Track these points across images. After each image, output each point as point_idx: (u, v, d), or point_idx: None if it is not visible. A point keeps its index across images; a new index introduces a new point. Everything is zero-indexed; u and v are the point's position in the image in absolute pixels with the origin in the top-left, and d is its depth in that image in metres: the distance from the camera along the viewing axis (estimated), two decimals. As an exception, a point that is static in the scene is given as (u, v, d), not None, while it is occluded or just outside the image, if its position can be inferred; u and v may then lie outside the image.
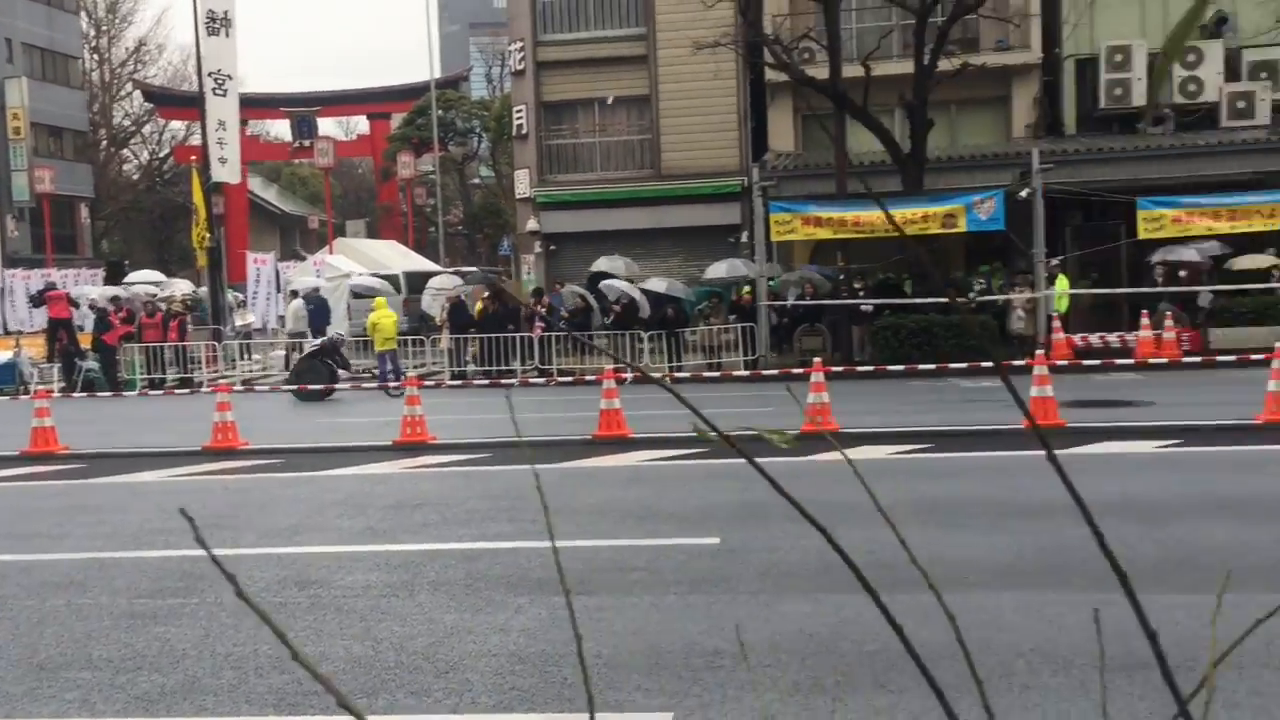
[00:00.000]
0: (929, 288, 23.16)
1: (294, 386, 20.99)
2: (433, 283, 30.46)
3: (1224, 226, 22.32)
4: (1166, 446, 11.61)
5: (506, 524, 8.94)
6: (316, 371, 20.91)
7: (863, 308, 22.95)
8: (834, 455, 12.11)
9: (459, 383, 22.62)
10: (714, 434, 1.03)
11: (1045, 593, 6.40)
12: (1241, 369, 18.17)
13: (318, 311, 26.09)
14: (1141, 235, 22.57)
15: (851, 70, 22.76)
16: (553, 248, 29.73)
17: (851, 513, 8.71)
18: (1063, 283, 23.16)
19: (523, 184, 30.23)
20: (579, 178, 29.81)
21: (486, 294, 24.89)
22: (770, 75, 26.58)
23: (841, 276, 23.82)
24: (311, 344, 22.01)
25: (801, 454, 12.22)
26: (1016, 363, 18.17)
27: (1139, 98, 26.11)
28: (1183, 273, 22.91)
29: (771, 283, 24.18)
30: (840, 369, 20.10)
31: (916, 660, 0.96)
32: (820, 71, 23.21)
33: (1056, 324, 22.12)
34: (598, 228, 28.78)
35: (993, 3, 25.28)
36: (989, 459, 11.34)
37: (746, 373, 20.04)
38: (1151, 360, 20.33)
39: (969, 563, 7.11)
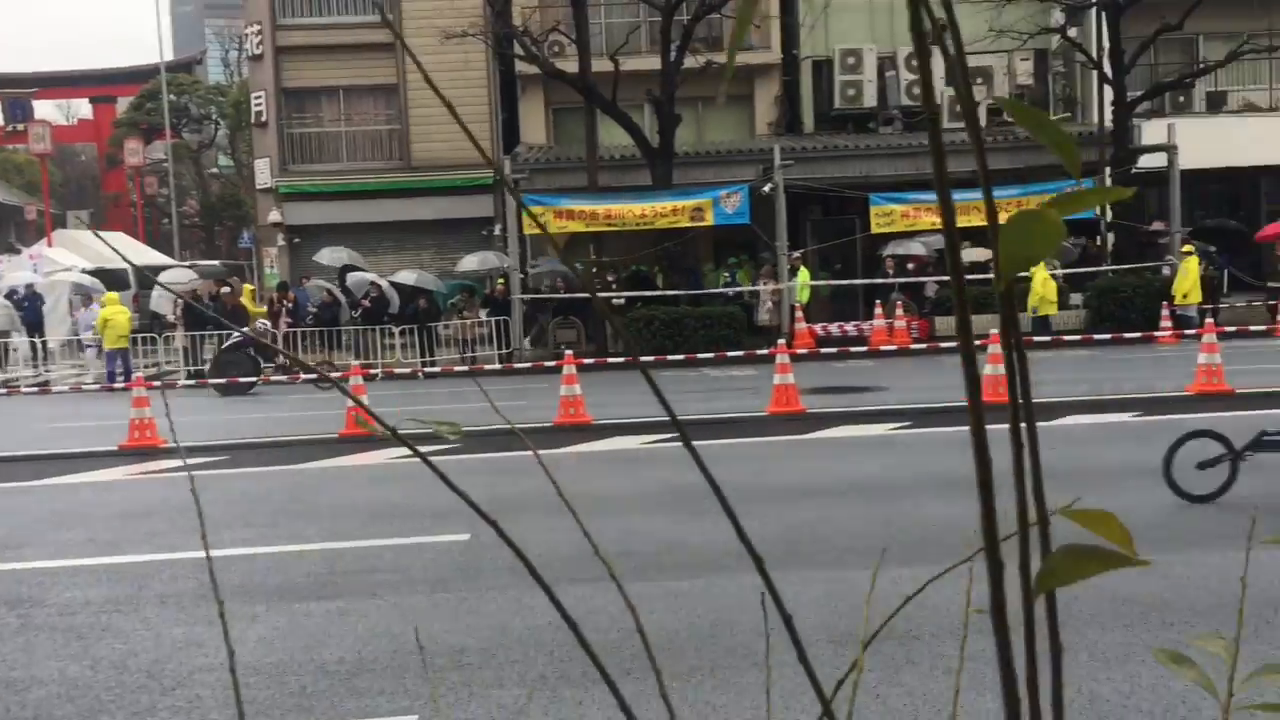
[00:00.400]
0: (680, 280, 23.71)
1: (214, 379, 19.48)
2: (164, 277, 28.75)
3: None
4: (898, 429, 12.26)
5: (243, 529, 8.50)
6: (239, 363, 19.58)
7: (615, 300, 23.22)
8: (589, 446, 12.19)
9: (194, 382, 21.44)
10: (382, 428, 0.93)
11: (788, 572, 6.59)
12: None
13: (31, 309, 24.17)
14: (874, 229, 23.85)
15: (601, 65, 22.98)
16: (297, 240, 28.63)
17: (606, 503, 8.79)
18: (804, 275, 24.16)
19: (264, 174, 28.95)
20: (325, 168, 28.82)
21: (220, 289, 23.79)
22: (521, 67, 26.49)
23: (594, 270, 24.01)
24: (233, 338, 20.28)
25: (557, 445, 12.24)
26: (761, 352, 18.83)
27: (870, 99, 27.54)
28: (911, 265, 24.34)
29: (523, 276, 24.12)
30: (593, 361, 20.26)
31: (588, 651, 0.89)
32: (570, 65, 23.31)
33: (799, 314, 23.07)
34: (346, 220, 27.93)
35: (736, 3, 26.04)
36: (736, 445, 11.66)
37: (499, 366, 19.89)
38: (884, 348, 21.48)
39: (715, 547, 7.25)
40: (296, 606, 6.39)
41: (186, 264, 32.78)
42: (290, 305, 23.72)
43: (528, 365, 20.62)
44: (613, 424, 13.22)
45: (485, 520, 0.94)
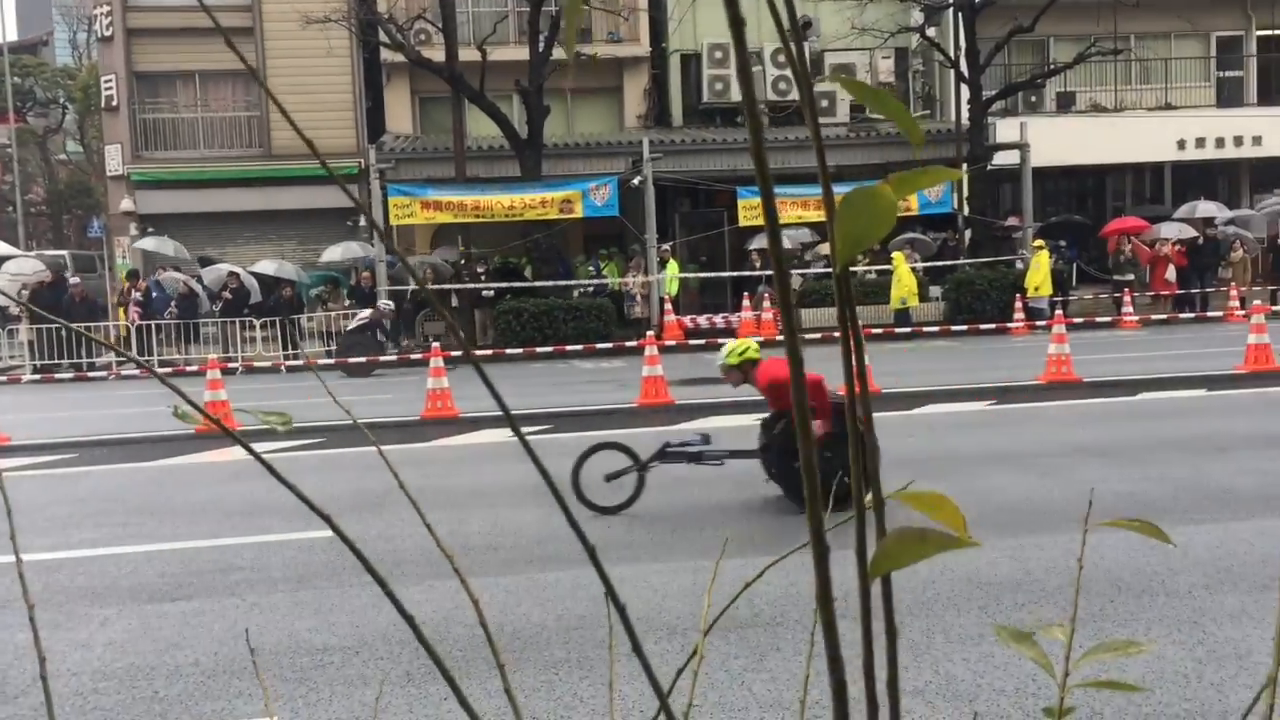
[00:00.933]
0: (549, 272, 23.62)
1: (341, 360, 19.57)
2: (7, 268, 27.39)
3: (812, 215, 24.36)
4: (763, 418, 12.42)
5: (92, 530, 8.15)
6: (365, 345, 19.80)
7: (484, 292, 23.03)
8: (457, 439, 12.05)
9: (39, 377, 20.51)
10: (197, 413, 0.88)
11: (655, 563, 6.63)
12: (826, 346, 19.82)
13: None
14: (742, 222, 24.18)
15: (469, 54, 22.72)
16: (150, 230, 27.59)
17: (475, 496, 8.70)
18: (673, 267, 24.34)
19: (114, 160, 27.81)
20: (180, 155, 27.83)
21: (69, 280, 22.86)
22: (386, 55, 26.03)
23: (463, 262, 23.76)
24: (360, 317, 20.51)
25: (424, 439, 12.08)
26: (630, 344, 18.90)
27: (738, 93, 27.85)
28: (778, 258, 24.69)
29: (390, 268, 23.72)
30: (461, 353, 20.05)
31: (426, 646, 0.86)
32: (437, 53, 23.00)
33: (668, 306, 23.23)
34: (203, 209, 27.02)
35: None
36: (606, 436, 11.66)
37: (364, 359, 19.52)
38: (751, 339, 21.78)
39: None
40: (150, 608, 6.16)
41: (33, 254, 31.23)
42: (141, 295, 22.85)
43: (393, 358, 20.29)
44: (481, 417, 13.11)
45: (319, 515, 0.91)
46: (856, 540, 0.62)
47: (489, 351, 20.64)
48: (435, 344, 14.71)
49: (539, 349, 20.57)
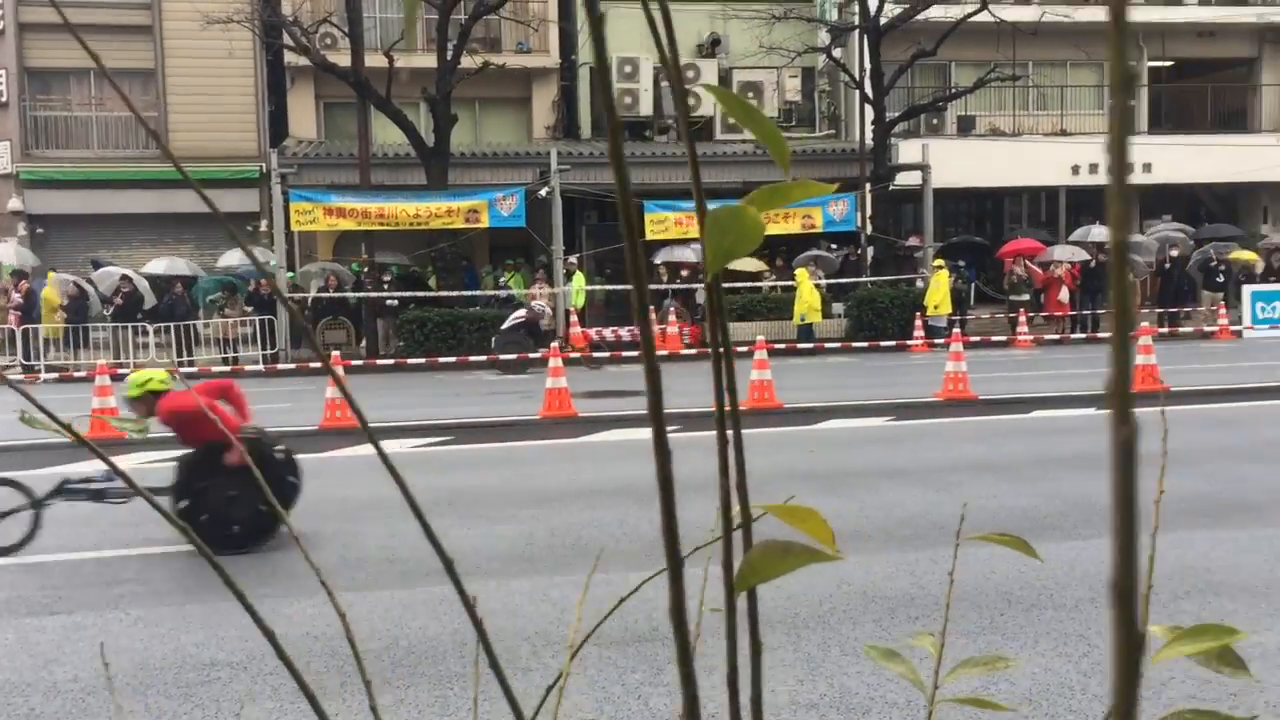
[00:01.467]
0: (454, 281, 23.43)
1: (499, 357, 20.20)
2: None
3: (718, 230, 24.59)
4: (668, 432, 12.46)
5: (-31, 540, 7.82)
6: (520, 344, 20.45)
7: (388, 301, 22.75)
8: (355, 450, 11.85)
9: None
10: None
11: (553, 576, 6.58)
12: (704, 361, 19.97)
13: None
14: (649, 236, 24.25)
15: (376, 60, 22.46)
16: (40, 231, 26.73)
17: (371, 508, 8.55)
18: (579, 279, 24.31)
19: (3, 159, 26.88)
20: (74, 154, 27.01)
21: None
22: (290, 58, 25.60)
23: (366, 270, 23.44)
24: (515, 317, 21.10)
25: (321, 449, 11.85)
26: (534, 355, 18.83)
27: (646, 107, 28.00)
28: (684, 272, 24.87)
29: (291, 274, 23.32)
30: (362, 363, 19.77)
31: (287, 664, 0.83)
32: (343, 58, 22.69)
33: (574, 318, 23.19)
34: (96, 210, 26.25)
35: (514, 6, 25.99)
36: (508, 449, 11.60)
37: (261, 368, 19.12)
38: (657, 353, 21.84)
39: (483, 552, 7.17)
40: (28, 622, 5.93)
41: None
42: (21, 298, 22.07)
43: (292, 367, 19.91)
44: (380, 427, 12.91)
45: (174, 526, 0.87)
46: (723, 555, 0.61)
47: (391, 361, 20.38)
48: (335, 352, 14.47)
49: (442, 359, 20.38)
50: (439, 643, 5.46)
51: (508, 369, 20.07)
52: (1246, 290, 25.15)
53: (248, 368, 20.77)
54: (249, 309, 22.67)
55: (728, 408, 0.61)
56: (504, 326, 21.11)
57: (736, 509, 0.60)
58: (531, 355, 20.15)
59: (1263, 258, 26.86)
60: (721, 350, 0.62)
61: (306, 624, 5.74)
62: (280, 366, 19.52)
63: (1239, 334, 24.03)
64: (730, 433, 0.60)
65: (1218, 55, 31.35)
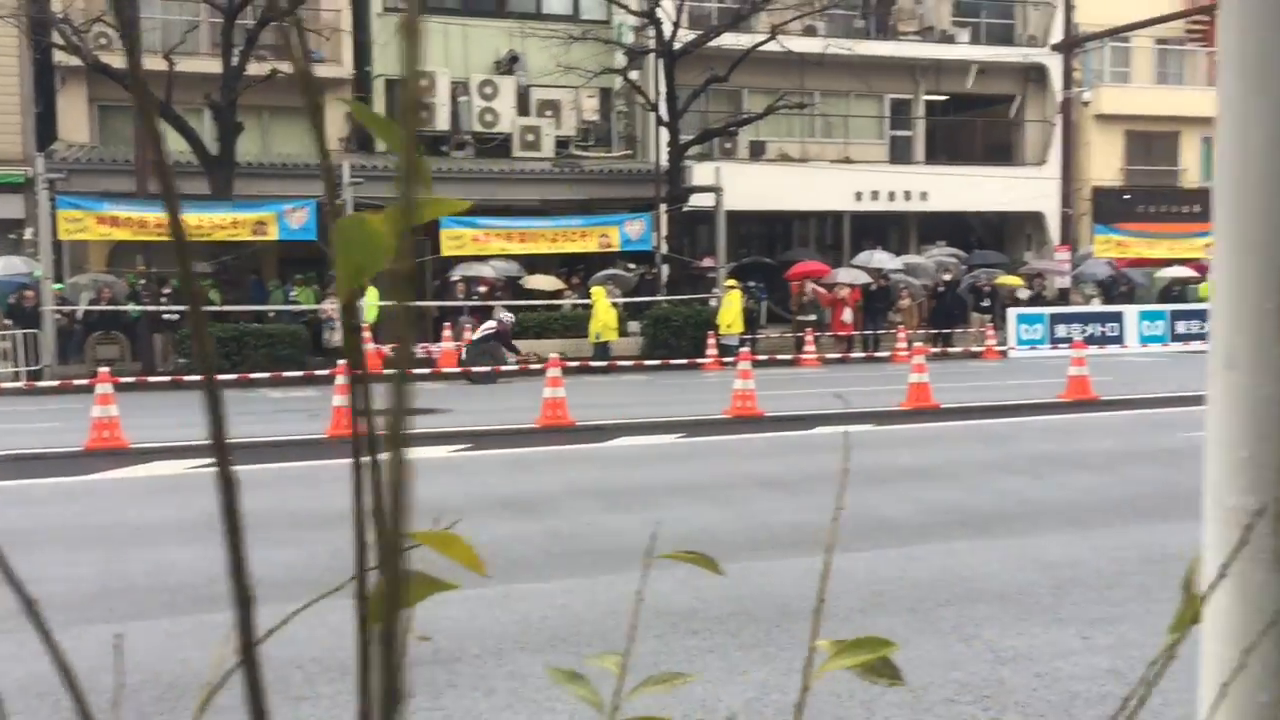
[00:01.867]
0: (238, 295, 22.57)
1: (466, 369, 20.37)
2: None
3: (516, 247, 24.59)
4: (459, 451, 12.32)
5: None
6: (491, 355, 20.67)
7: (165, 315, 21.70)
8: (126, 471, 11.23)
9: None
10: None
11: (333, 600, 6.37)
12: (525, 378, 19.92)
13: None
14: (445, 252, 24.00)
15: (156, 63, 21.44)
16: None
17: (142, 533, 8.10)
18: (372, 294, 23.69)
19: None
20: None
21: None
22: (60, 58, 24.16)
23: (142, 282, 22.30)
24: (485, 328, 21.37)
25: (88, 471, 11.21)
26: (322, 373, 18.30)
27: (443, 122, 27.72)
28: (481, 288, 24.70)
29: (58, 285, 21.97)
30: (134, 379, 18.79)
31: (75, 695, 0.75)
32: (119, 60, 21.56)
33: (367, 335, 22.63)
34: None
35: (305, 14, 25.28)
36: (294, 469, 11.23)
37: (21, 385, 17.88)
38: (450, 370, 21.56)
39: (266, 578, 6.88)
40: None
41: None
42: None
43: (55, 384, 18.72)
44: (153, 448, 12.29)
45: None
46: (356, 585, 0.58)
47: (168, 378, 19.42)
48: (103, 369, 13.70)
49: (224, 376, 19.54)
50: (203, 674, 5.19)
51: (480, 380, 20.11)
52: (1011, 313, 26.81)
53: (5, 385, 19.41)
54: (8, 322, 21.20)
55: (364, 431, 0.58)
56: (475, 338, 21.47)
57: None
58: (505, 366, 20.57)
59: (1026, 283, 28.71)
60: (360, 373, 0.59)
61: (148, 651, 5.37)
62: (42, 384, 18.30)
63: (1004, 354, 25.56)
64: (367, 459, 0.57)
65: (987, 91, 33.38)
